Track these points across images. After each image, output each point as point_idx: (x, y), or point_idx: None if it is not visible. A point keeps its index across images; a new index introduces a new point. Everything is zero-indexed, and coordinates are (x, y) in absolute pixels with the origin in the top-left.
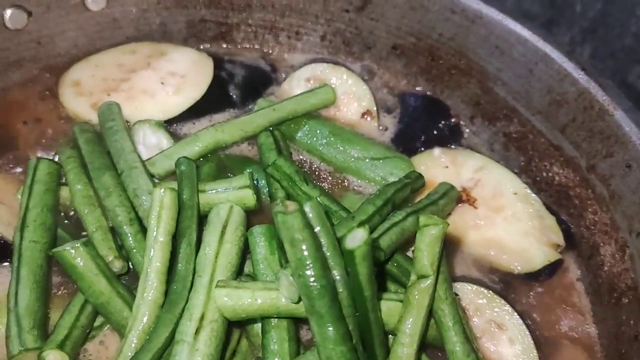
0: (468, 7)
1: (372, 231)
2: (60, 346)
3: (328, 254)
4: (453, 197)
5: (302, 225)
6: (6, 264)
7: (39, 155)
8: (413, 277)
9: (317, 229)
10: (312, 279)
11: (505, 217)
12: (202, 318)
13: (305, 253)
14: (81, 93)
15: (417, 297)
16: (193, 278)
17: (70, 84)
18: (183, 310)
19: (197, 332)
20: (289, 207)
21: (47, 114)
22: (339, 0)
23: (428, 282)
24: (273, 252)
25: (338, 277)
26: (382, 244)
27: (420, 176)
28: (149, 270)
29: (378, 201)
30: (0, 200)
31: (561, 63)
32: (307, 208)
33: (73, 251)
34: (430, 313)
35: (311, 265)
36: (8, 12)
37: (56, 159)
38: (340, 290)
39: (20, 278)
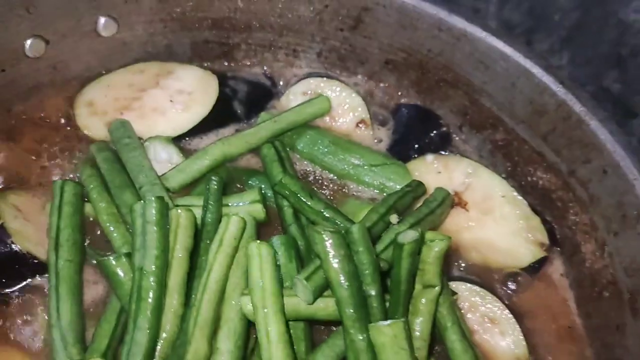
0: (453, 26)
1: (377, 237)
2: (104, 355)
3: (367, 272)
4: (448, 204)
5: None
6: (39, 279)
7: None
8: (419, 287)
9: (360, 249)
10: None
11: (494, 219)
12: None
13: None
14: (95, 113)
15: (425, 304)
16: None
17: (84, 105)
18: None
19: (215, 331)
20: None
21: (64, 134)
22: (333, 20)
23: (435, 291)
24: (291, 261)
25: (373, 294)
26: (386, 255)
27: (420, 184)
28: (169, 284)
29: (381, 209)
30: (27, 219)
31: (541, 77)
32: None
33: (115, 261)
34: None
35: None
36: (28, 42)
37: (75, 178)
38: (375, 305)
39: (60, 295)
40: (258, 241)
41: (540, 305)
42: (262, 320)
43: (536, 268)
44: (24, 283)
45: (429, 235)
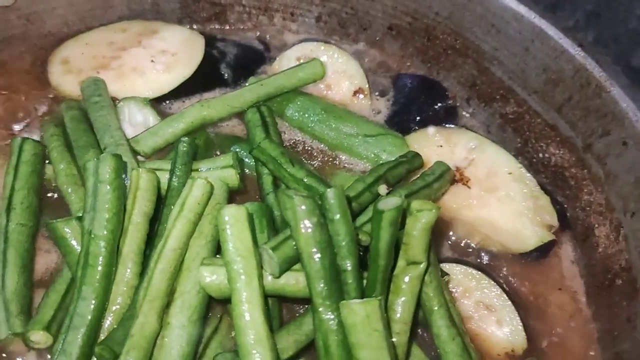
0: None
1: (361, 210)
2: (47, 327)
3: (343, 243)
4: (448, 179)
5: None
6: None
7: (24, 134)
8: (402, 263)
9: (336, 216)
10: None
11: (498, 198)
12: (172, 292)
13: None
14: (70, 71)
15: (408, 283)
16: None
17: (59, 62)
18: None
19: (168, 305)
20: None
21: (34, 92)
22: None
23: (419, 268)
24: (262, 230)
25: (349, 268)
26: (369, 228)
27: (417, 155)
28: (124, 251)
29: (369, 179)
30: None
31: (557, 40)
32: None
33: (66, 224)
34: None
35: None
36: None
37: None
38: (350, 281)
39: (7, 262)
40: (232, 204)
41: (546, 294)
42: (239, 293)
43: (543, 252)
44: None
45: (415, 204)
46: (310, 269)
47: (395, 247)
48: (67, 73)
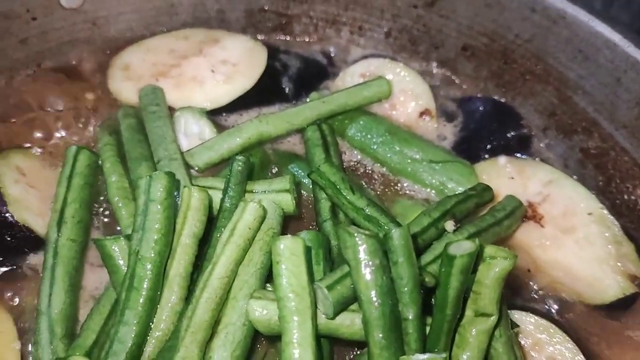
0: (551, 6)
1: (425, 247)
2: (88, 353)
3: (406, 289)
4: (519, 216)
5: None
6: (32, 258)
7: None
8: (470, 314)
9: (400, 259)
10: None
11: (576, 240)
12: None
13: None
14: (129, 77)
15: (475, 337)
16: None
17: (119, 68)
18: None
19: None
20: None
21: (93, 97)
22: None
23: (489, 321)
24: (318, 262)
25: (411, 317)
26: (435, 268)
27: (487, 188)
28: (170, 274)
29: (435, 213)
30: (31, 184)
31: None
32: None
33: (114, 242)
34: None
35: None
36: None
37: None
38: (411, 331)
39: (56, 279)
40: (288, 235)
41: (625, 354)
42: (291, 334)
43: (624, 306)
44: (14, 259)
45: (489, 250)
46: (369, 315)
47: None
48: (126, 79)
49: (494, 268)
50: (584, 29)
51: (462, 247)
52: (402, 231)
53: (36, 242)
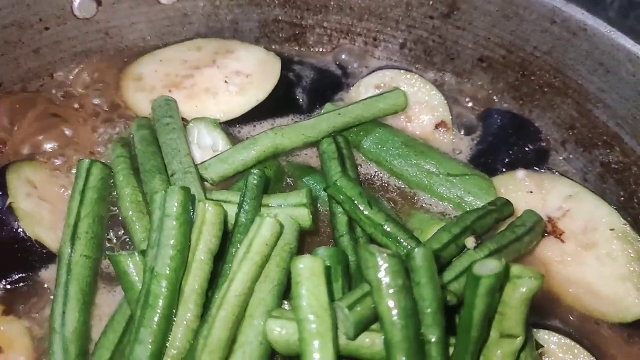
0: (571, 18)
1: (446, 263)
2: None
3: (429, 310)
4: (540, 232)
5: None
6: (44, 274)
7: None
8: (495, 335)
9: (423, 280)
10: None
11: (598, 256)
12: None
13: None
14: (143, 88)
15: (500, 358)
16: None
17: (132, 78)
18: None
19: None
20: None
21: (106, 108)
22: (423, 5)
23: (515, 343)
24: (337, 280)
25: (434, 340)
26: (456, 288)
27: (508, 203)
28: (186, 290)
29: (455, 229)
30: (43, 197)
31: None
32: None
33: (129, 258)
34: None
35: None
36: (77, 0)
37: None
38: (434, 354)
39: (69, 297)
40: (308, 255)
41: None
42: (311, 357)
43: None
44: (26, 276)
45: (515, 270)
46: (391, 337)
47: None
48: (139, 90)
49: (521, 288)
50: (605, 42)
51: (488, 267)
52: (425, 251)
53: (49, 257)
